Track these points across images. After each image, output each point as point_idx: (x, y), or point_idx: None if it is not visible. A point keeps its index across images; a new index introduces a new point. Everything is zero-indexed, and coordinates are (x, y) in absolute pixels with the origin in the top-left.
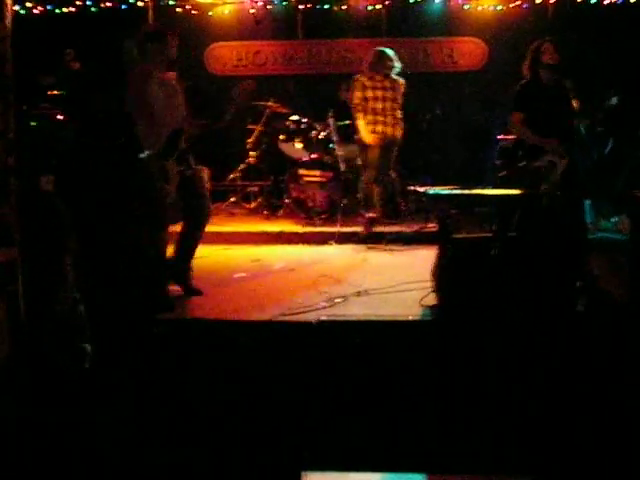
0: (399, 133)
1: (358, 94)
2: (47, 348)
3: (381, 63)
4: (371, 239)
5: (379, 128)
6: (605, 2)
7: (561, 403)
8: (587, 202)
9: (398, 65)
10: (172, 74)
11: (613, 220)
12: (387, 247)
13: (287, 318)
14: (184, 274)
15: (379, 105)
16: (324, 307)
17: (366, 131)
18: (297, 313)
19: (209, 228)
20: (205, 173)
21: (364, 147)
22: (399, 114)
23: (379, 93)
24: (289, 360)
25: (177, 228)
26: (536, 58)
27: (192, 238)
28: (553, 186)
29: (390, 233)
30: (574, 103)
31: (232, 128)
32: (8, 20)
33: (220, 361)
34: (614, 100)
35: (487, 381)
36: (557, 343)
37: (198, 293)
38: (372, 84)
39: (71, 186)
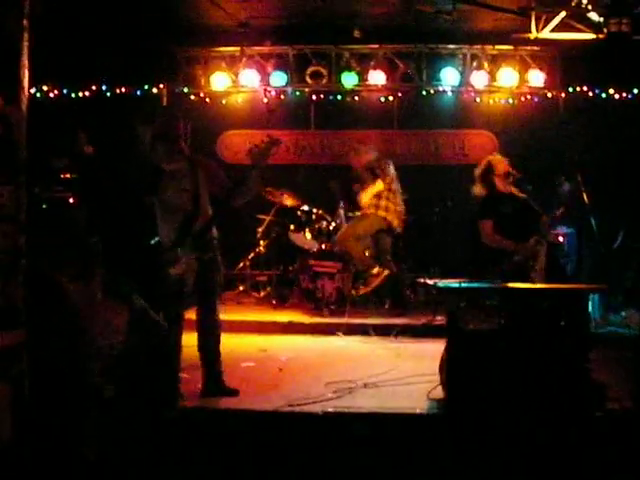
0: None
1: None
2: (53, 432)
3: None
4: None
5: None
6: (616, 97)
7: None
8: (596, 296)
9: None
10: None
11: (622, 314)
12: (395, 339)
13: (293, 409)
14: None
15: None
16: (330, 398)
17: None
18: (303, 404)
19: None
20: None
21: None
22: None
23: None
24: (294, 451)
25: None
26: (490, 170)
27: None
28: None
29: (398, 325)
30: (585, 197)
31: (243, 216)
32: (24, 104)
33: (224, 450)
34: None
35: (494, 478)
36: (565, 444)
37: (234, 393)
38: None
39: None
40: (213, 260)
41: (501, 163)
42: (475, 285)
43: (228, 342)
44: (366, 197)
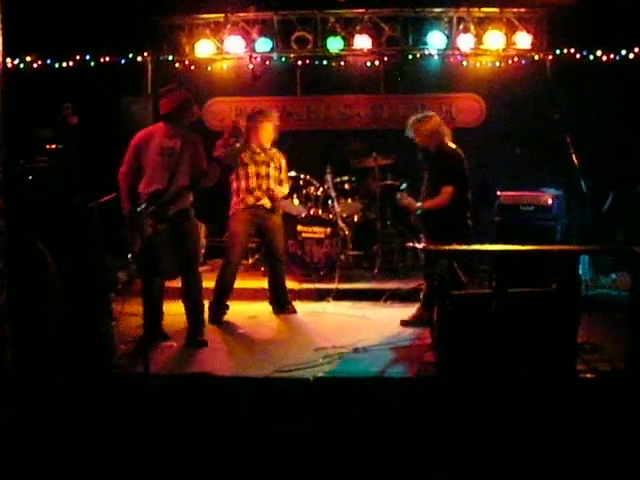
0: None
1: None
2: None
3: None
4: None
5: None
6: (604, 59)
7: (560, 465)
8: (586, 258)
9: None
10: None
11: (612, 277)
12: (385, 304)
13: (284, 375)
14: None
15: None
16: (321, 364)
17: None
18: (293, 370)
19: (207, 284)
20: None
21: None
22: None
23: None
24: (285, 417)
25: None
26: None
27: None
28: None
29: (388, 290)
30: (574, 159)
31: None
32: None
33: (216, 416)
34: None
35: (485, 439)
36: (555, 403)
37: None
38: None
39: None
40: (184, 229)
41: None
42: (464, 248)
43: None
44: None
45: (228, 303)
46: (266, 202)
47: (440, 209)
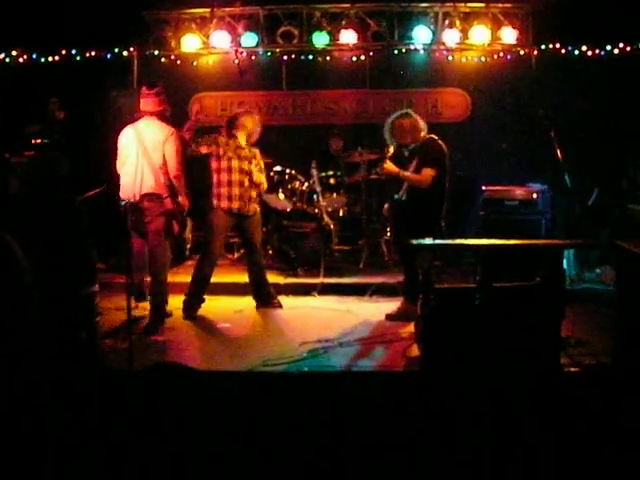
0: None
1: None
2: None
3: None
4: None
5: None
6: (589, 54)
7: (545, 460)
8: (571, 253)
9: None
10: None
11: (597, 271)
12: (371, 298)
13: (269, 369)
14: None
15: None
16: (306, 358)
17: None
18: (279, 364)
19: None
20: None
21: None
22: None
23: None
24: (269, 411)
25: None
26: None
27: None
28: None
29: (374, 284)
30: (559, 154)
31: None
32: None
33: (198, 409)
34: None
35: (471, 435)
36: (540, 398)
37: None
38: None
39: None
40: None
41: None
42: (448, 243)
43: (204, 304)
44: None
45: (205, 297)
46: (246, 210)
47: (417, 202)
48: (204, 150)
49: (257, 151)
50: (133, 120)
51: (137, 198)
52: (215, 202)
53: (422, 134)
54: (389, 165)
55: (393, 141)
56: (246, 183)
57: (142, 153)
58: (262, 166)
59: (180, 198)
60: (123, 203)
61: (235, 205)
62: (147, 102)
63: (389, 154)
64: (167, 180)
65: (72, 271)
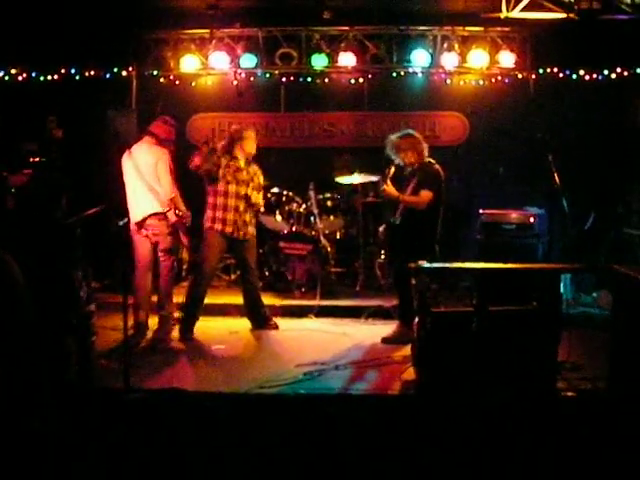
0: None
1: None
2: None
3: None
4: None
5: None
6: (587, 78)
7: None
8: (568, 277)
9: None
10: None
11: (593, 295)
12: (366, 321)
13: (264, 391)
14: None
15: None
16: (302, 380)
17: None
18: (274, 386)
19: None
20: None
21: None
22: None
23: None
24: (265, 433)
25: None
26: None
27: None
28: None
29: (370, 307)
30: (556, 178)
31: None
32: None
33: (193, 433)
34: None
35: (467, 458)
36: (536, 422)
37: None
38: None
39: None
40: None
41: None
42: (445, 266)
43: (200, 325)
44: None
45: (201, 318)
46: (240, 234)
47: (411, 225)
48: (205, 167)
49: (257, 168)
50: (136, 141)
51: (140, 219)
52: (209, 224)
53: (423, 155)
54: (390, 188)
55: (396, 157)
56: (241, 208)
57: (137, 176)
58: (261, 182)
59: (181, 208)
60: (121, 223)
61: (229, 230)
62: (164, 130)
63: (390, 174)
64: (164, 196)
65: (59, 292)
